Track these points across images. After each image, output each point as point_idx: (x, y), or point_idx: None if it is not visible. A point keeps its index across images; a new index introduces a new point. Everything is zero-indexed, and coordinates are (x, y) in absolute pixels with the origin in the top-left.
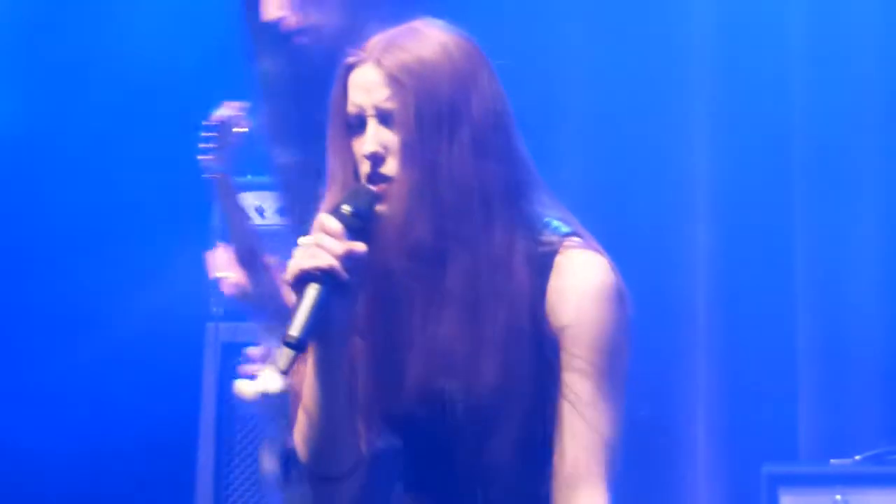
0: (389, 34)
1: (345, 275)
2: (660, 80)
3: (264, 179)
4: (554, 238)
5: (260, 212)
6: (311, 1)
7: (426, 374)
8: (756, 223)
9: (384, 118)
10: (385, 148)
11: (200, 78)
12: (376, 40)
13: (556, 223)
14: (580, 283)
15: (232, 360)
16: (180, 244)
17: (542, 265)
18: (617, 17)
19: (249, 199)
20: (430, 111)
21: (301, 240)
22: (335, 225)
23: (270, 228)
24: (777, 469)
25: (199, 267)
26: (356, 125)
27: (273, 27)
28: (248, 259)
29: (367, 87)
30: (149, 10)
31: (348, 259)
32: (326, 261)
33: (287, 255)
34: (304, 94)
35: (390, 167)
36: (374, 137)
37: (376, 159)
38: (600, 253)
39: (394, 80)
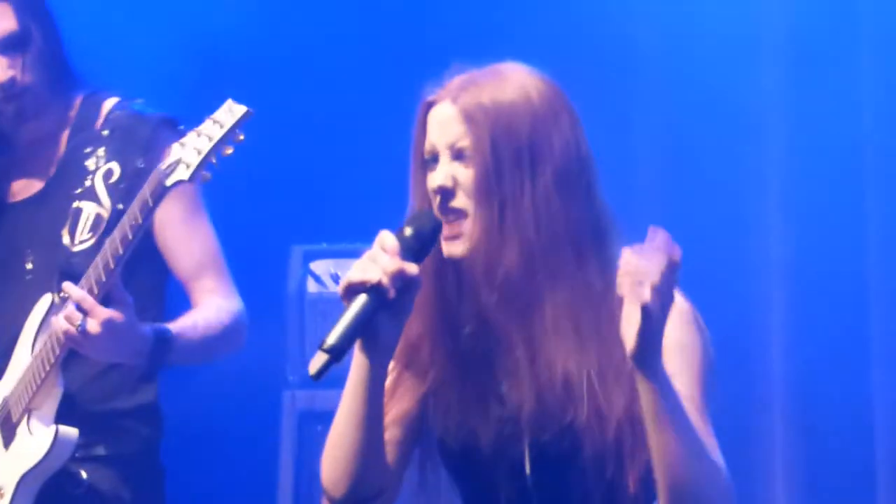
0: (470, 74)
1: (392, 292)
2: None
3: (340, 247)
4: None
5: (335, 279)
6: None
7: (542, 406)
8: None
9: (457, 154)
10: (455, 182)
11: None
12: (456, 79)
13: None
14: None
15: (309, 429)
16: (256, 311)
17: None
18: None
19: (323, 267)
20: (508, 148)
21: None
22: (391, 243)
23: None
24: None
25: (276, 334)
26: (431, 161)
27: None
28: None
29: (442, 124)
30: None
31: (398, 278)
32: (375, 276)
33: None
34: None
35: (460, 201)
36: (445, 171)
37: (445, 193)
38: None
39: (469, 118)
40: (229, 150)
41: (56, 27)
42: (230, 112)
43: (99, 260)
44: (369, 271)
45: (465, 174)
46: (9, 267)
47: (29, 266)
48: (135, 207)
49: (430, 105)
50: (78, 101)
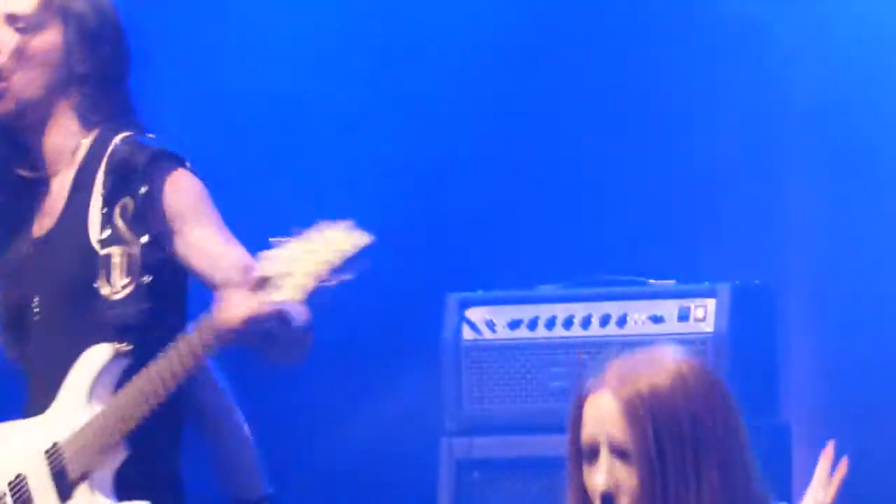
0: (627, 361)
1: None
2: None
3: (495, 294)
4: None
5: (490, 326)
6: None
7: None
8: None
9: (619, 453)
10: (618, 486)
11: None
12: (614, 367)
13: None
14: None
15: (467, 476)
16: (413, 359)
17: None
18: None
19: (479, 314)
20: (672, 444)
21: None
22: None
23: (500, 343)
24: None
25: (432, 381)
26: (590, 455)
27: None
28: None
29: (602, 418)
30: None
31: None
32: None
33: (513, 370)
34: None
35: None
36: (608, 473)
37: (609, 499)
38: None
39: (630, 413)
40: (345, 276)
41: (117, 58)
42: (343, 233)
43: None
44: None
45: (627, 476)
46: (12, 302)
47: (35, 309)
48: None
49: (585, 395)
50: (92, 134)
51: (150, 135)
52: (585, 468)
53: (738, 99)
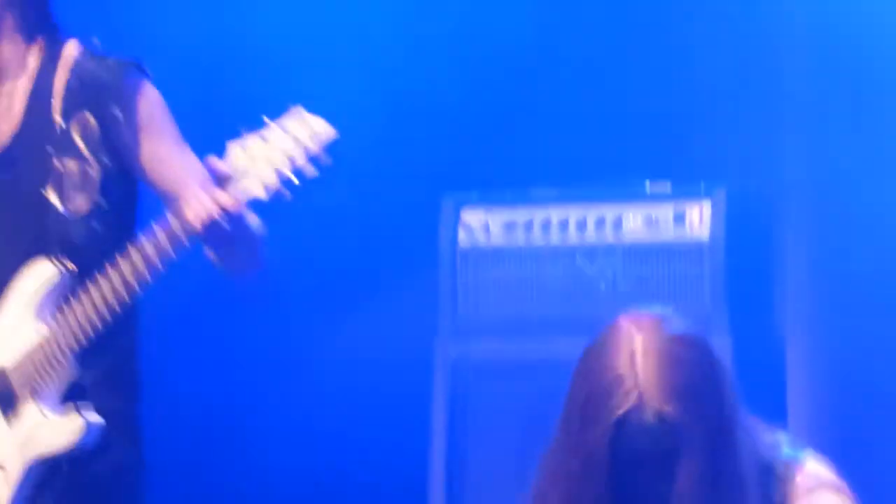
0: (650, 368)
1: None
2: None
3: (489, 196)
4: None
5: (486, 229)
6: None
7: None
8: None
9: None
10: None
11: None
12: (642, 379)
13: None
14: None
15: (462, 378)
16: (407, 263)
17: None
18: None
19: (474, 217)
20: (708, 437)
21: None
22: None
23: (496, 247)
24: None
25: (428, 285)
26: None
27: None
28: None
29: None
30: None
31: None
32: None
33: (509, 274)
34: None
35: None
36: None
37: None
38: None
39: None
40: (310, 172)
41: None
42: (307, 126)
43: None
44: None
45: None
46: None
47: None
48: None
49: (616, 413)
50: (37, 45)
51: (96, 40)
52: None
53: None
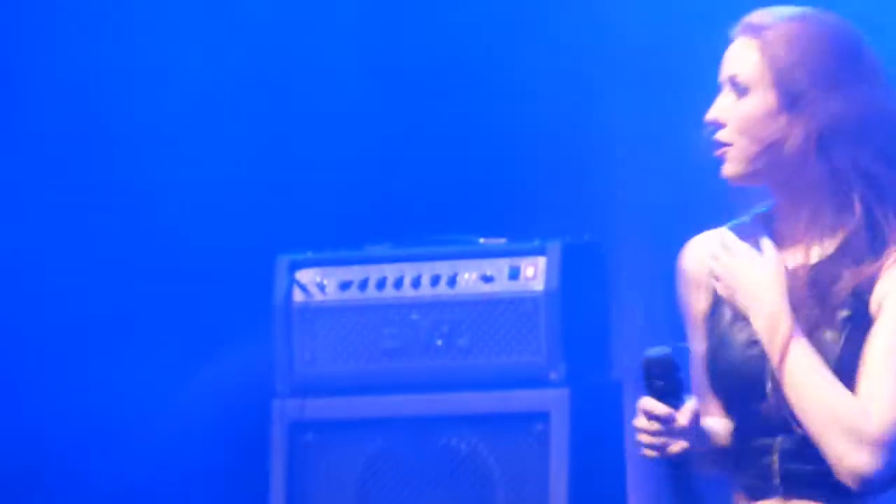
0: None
1: (677, 451)
2: None
3: (323, 255)
4: None
5: (321, 287)
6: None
7: None
8: None
9: (738, 88)
10: (724, 115)
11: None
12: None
13: None
14: None
15: (300, 438)
16: (243, 322)
17: None
18: None
19: (309, 276)
20: (791, 80)
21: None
22: (649, 417)
23: (331, 304)
24: None
25: (263, 345)
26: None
27: None
28: None
29: (729, 57)
30: None
31: (674, 435)
32: (654, 453)
33: (345, 331)
34: None
35: (726, 134)
36: (716, 105)
37: (714, 126)
38: None
39: (756, 47)
40: None
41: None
42: None
43: None
44: (648, 451)
45: (733, 105)
46: None
47: None
48: None
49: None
50: None
51: None
52: None
53: (567, 56)
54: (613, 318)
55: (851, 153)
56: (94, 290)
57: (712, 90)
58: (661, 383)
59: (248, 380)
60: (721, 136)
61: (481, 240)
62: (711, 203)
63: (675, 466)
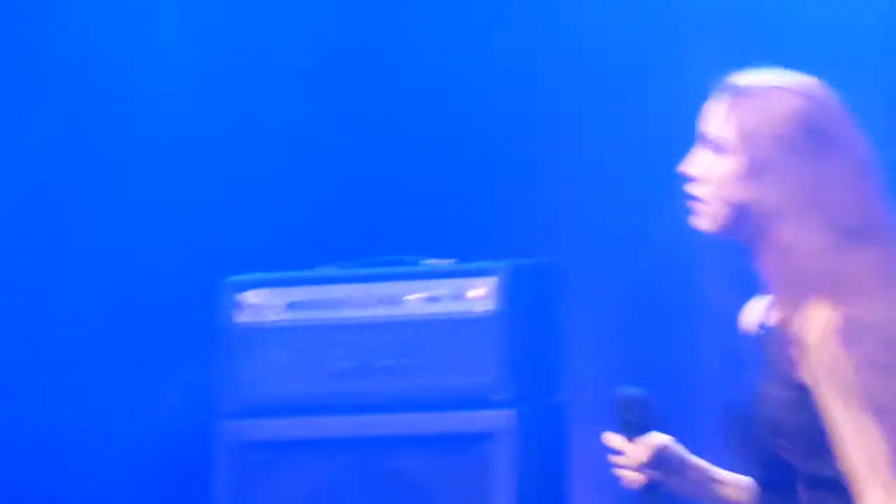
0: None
1: (653, 479)
2: None
3: (270, 277)
4: None
5: (268, 309)
6: None
7: None
8: None
9: (714, 146)
10: (702, 172)
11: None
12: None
13: None
14: None
15: (244, 459)
16: (185, 344)
17: None
18: None
19: (255, 297)
20: (766, 141)
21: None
22: (624, 453)
23: (277, 325)
24: None
25: (208, 367)
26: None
27: None
28: None
29: (707, 117)
30: None
31: (636, 468)
32: (629, 480)
33: (292, 352)
34: None
35: (700, 190)
36: (693, 160)
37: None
38: None
39: (732, 107)
40: None
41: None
42: None
43: None
44: (624, 478)
45: (713, 163)
46: None
47: None
48: None
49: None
50: None
51: None
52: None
53: (517, 76)
54: (563, 339)
55: (814, 224)
56: (35, 311)
57: (665, 112)
58: (629, 418)
59: (193, 401)
60: (696, 191)
61: (429, 261)
62: (664, 226)
63: (646, 491)
